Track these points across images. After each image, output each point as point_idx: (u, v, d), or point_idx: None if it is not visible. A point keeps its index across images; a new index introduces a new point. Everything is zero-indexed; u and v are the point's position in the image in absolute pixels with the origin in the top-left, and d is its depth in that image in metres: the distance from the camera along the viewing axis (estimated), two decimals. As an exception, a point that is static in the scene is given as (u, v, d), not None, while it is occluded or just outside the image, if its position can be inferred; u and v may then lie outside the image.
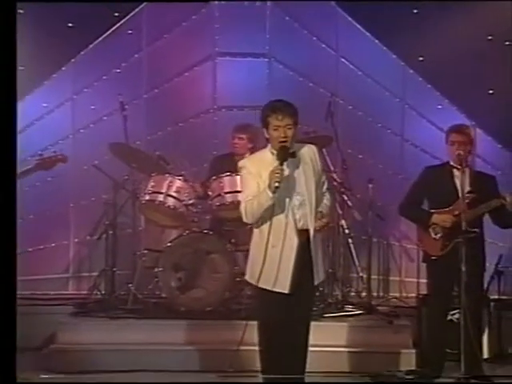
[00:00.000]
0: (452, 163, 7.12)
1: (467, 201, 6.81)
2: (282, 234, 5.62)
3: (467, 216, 6.76)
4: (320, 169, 5.82)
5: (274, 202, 5.52)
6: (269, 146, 5.74)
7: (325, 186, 5.88)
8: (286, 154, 5.56)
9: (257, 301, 5.96)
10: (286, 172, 5.57)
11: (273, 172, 5.46)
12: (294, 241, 5.62)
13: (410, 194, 7.27)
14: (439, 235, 6.97)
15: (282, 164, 5.52)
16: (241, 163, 5.83)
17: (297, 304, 5.74)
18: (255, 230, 5.77)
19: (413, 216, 7.30)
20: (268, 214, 5.58)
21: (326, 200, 5.87)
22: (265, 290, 5.66)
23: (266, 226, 5.63)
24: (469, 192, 6.83)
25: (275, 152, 5.62)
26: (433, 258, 7.01)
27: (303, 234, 5.64)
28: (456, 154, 7.01)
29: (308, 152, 5.79)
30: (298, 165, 5.69)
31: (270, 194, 5.46)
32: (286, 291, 5.60)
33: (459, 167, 7.00)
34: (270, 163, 5.56)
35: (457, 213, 6.88)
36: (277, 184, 5.41)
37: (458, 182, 7.00)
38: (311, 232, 5.64)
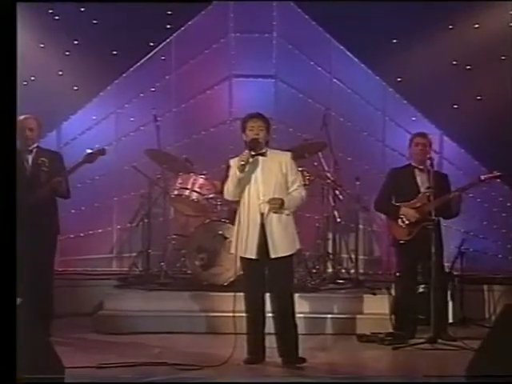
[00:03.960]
0: (414, 164, 7.14)
1: (427, 195, 6.87)
2: (248, 212, 5.86)
3: (428, 207, 6.82)
4: (289, 170, 5.96)
5: (243, 184, 5.83)
6: (246, 151, 5.93)
7: (295, 184, 5.99)
8: (255, 145, 5.87)
9: (242, 270, 6.15)
10: (253, 160, 5.82)
11: (241, 156, 5.81)
12: (257, 220, 5.85)
13: (381, 192, 7.31)
14: (406, 223, 7.00)
15: (250, 151, 5.82)
16: (230, 162, 6.11)
17: (272, 275, 5.92)
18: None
19: (386, 210, 7.33)
20: (239, 194, 5.89)
21: (296, 193, 5.98)
22: (242, 258, 5.90)
23: (240, 206, 5.93)
24: (428, 187, 6.87)
25: (248, 145, 5.91)
26: (401, 242, 7.05)
27: (261, 215, 5.84)
28: (418, 154, 7.05)
29: (280, 156, 6.04)
30: (266, 163, 5.88)
31: (238, 173, 5.79)
32: (254, 257, 5.82)
33: (420, 167, 7.04)
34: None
35: (419, 205, 6.93)
36: (242, 163, 5.76)
37: (419, 180, 7.04)
38: (265, 214, 5.81)
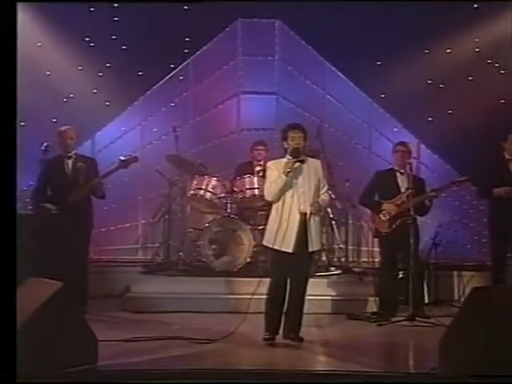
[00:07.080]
0: (396, 168, 7.16)
1: (406, 194, 6.89)
2: (289, 212, 5.74)
3: (407, 205, 6.84)
4: (321, 175, 5.93)
5: (286, 186, 5.70)
6: (286, 155, 5.86)
7: (325, 188, 5.97)
8: (298, 154, 5.76)
9: (270, 259, 6.07)
10: (296, 166, 5.73)
11: (287, 163, 5.71)
12: (296, 218, 5.74)
13: (366, 189, 7.34)
14: (387, 218, 7.02)
15: (293, 159, 5.73)
16: (268, 164, 6.02)
17: (298, 263, 5.82)
18: (272, 209, 5.88)
19: (369, 204, 7.37)
20: (281, 195, 5.74)
21: (324, 196, 5.95)
22: (276, 250, 5.77)
23: (279, 205, 5.78)
24: (407, 188, 6.90)
25: (290, 153, 5.79)
26: (383, 233, 7.07)
27: (303, 215, 5.74)
28: (399, 159, 7.09)
29: (314, 163, 5.97)
30: (304, 169, 5.82)
31: (284, 177, 5.67)
32: (291, 251, 5.71)
33: (401, 171, 7.07)
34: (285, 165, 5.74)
35: (399, 202, 6.95)
36: (288, 169, 5.65)
37: (399, 181, 7.06)
38: (308, 214, 5.74)
